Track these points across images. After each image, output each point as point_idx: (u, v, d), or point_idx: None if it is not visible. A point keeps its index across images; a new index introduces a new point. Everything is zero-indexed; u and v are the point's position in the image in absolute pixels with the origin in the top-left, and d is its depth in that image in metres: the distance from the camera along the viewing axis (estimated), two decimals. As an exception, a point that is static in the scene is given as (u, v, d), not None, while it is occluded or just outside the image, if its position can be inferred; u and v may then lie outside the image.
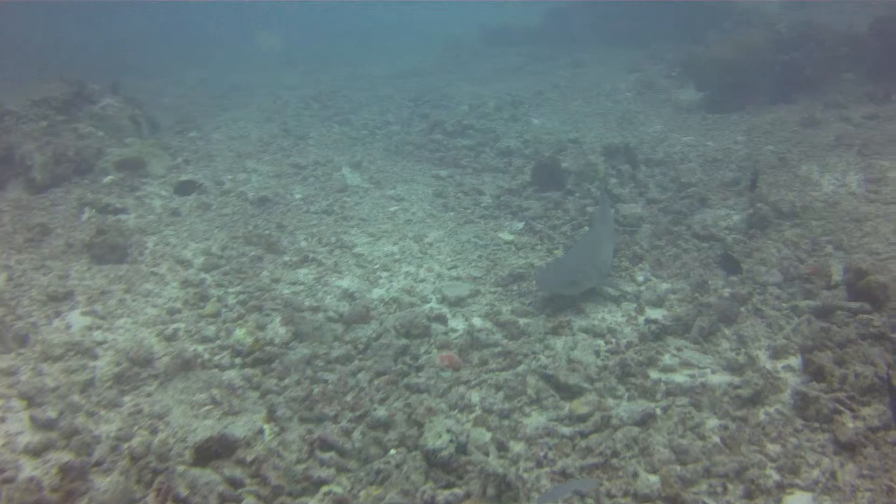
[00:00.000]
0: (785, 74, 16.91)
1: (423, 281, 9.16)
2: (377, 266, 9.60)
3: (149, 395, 6.93)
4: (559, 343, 7.66)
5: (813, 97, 16.52)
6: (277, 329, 7.93)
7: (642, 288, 9.05)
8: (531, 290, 8.77)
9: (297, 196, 12.17)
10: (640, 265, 9.59)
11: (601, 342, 7.70)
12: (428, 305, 8.52)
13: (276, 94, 21.67)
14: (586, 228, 10.61)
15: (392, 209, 11.66)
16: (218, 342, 7.73)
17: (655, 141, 15.23)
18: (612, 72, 23.77)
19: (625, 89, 21.33)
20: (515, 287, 8.91)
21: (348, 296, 8.71)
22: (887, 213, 10.53)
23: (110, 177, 12.44)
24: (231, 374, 7.20)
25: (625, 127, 16.96)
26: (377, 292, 8.89)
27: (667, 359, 7.42)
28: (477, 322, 8.14)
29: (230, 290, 8.86)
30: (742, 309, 8.25)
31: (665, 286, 9.06)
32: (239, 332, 7.79)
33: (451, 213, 11.51)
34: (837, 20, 18.30)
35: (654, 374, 7.15)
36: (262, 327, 7.97)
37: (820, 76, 16.64)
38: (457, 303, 8.48)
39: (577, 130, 16.64)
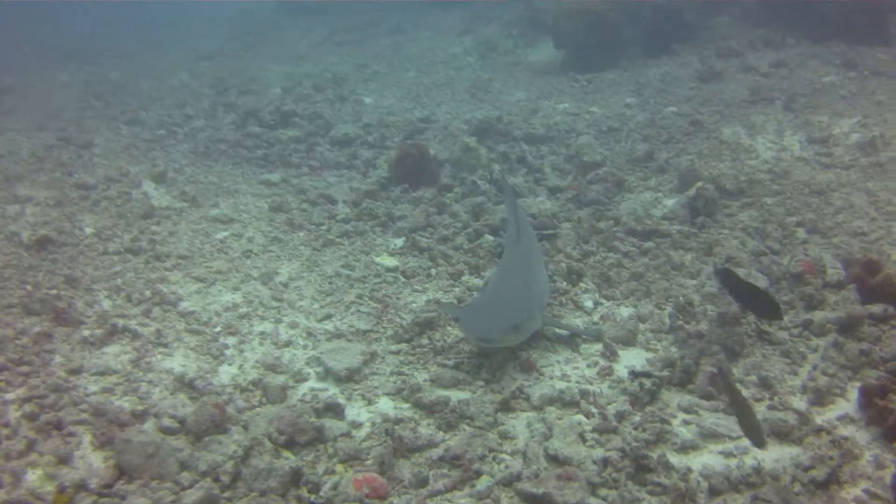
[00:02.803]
0: (657, 21, 15.89)
1: (288, 345, 6.78)
2: (217, 329, 7.05)
3: None
4: (520, 426, 5.64)
5: (697, 46, 15.73)
6: (90, 460, 5.21)
7: (596, 317, 7.22)
8: (449, 342, 6.62)
9: (89, 230, 9.12)
10: (581, 283, 7.73)
11: (580, 417, 5.71)
12: (307, 387, 6.19)
13: (50, 96, 17.88)
14: (492, 238, 8.59)
15: (220, 236, 9.02)
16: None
17: (526, 112, 13.63)
18: (440, 35, 22.27)
19: (463, 54, 19.79)
20: (426, 340, 6.71)
21: (185, 385, 6.13)
22: (852, 181, 9.47)
23: None
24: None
25: (480, 98, 15.30)
26: (227, 373, 6.39)
27: (681, 430, 5.58)
28: (388, 407, 5.89)
29: (7, 395, 5.90)
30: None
31: (626, 311, 7.30)
32: (32, 477, 4.98)
33: (301, 234, 9.09)
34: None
35: (674, 459, 5.25)
36: (65, 460, 5.19)
37: (700, 21, 15.75)
38: (348, 377, 6.20)
39: (424, 107, 14.74)
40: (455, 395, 5.98)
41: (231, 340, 6.87)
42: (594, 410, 5.82)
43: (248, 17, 27.34)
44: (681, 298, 7.14)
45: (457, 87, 16.37)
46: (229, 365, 6.47)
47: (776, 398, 5.95)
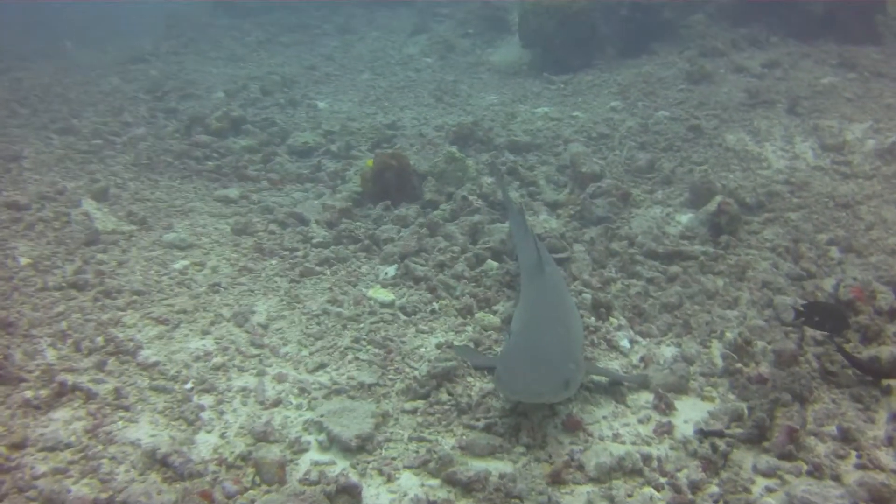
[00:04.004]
0: (635, 19, 15.29)
1: (278, 405, 5.83)
2: (189, 385, 6.05)
3: None
4: (578, 505, 4.79)
5: (677, 45, 15.19)
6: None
7: (634, 359, 6.45)
8: (475, 397, 5.76)
9: (24, 260, 7.95)
10: (612, 318, 6.93)
11: (650, 491, 4.90)
12: (308, 460, 5.25)
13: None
14: (496, 264, 7.78)
15: (179, 266, 7.99)
16: None
17: (502, 117, 12.86)
18: (391, 35, 21.44)
19: (420, 55, 18.95)
20: (445, 395, 5.82)
21: (157, 462, 5.13)
22: (877, 192, 8.95)
23: None
24: None
25: (449, 102, 14.48)
26: (206, 443, 5.43)
27: (769, 502, 4.81)
28: (412, 485, 5.00)
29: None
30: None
31: (668, 351, 6.58)
32: None
33: (274, 262, 8.11)
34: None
35: (770, 542, 4.51)
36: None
37: (680, 20, 15.20)
38: (359, 447, 5.28)
39: (387, 112, 13.86)
40: (494, 467, 5.14)
41: (207, 400, 5.87)
42: (662, 481, 5.04)
43: (182, 16, 25.97)
44: (735, 335, 6.41)
45: (419, 90, 15.51)
46: (208, 432, 5.48)
47: (864, 455, 5.26)
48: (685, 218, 8.90)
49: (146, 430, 5.49)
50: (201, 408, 5.73)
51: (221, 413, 5.70)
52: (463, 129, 11.35)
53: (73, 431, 5.42)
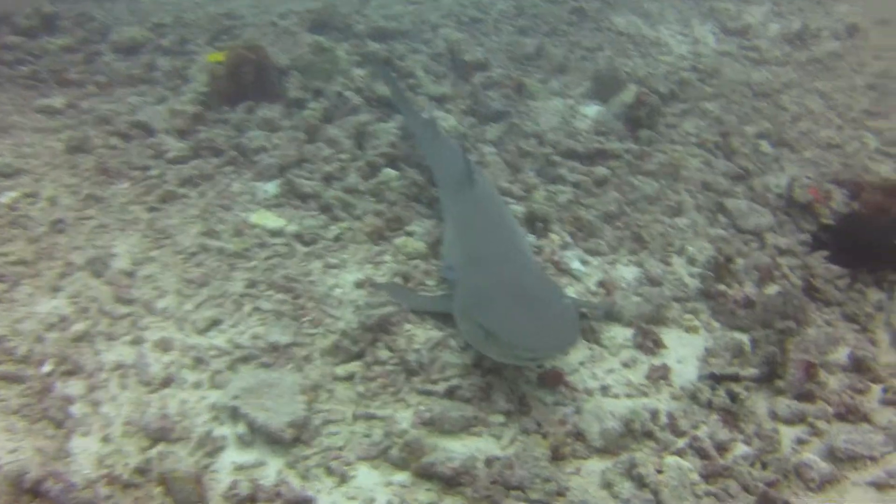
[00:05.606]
0: None
1: (169, 384, 4.34)
2: (47, 367, 4.39)
3: None
4: (596, 491, 3.79)
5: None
6: None
7: (592, 284, 5.46)
8: (425, 352, 4.52)
9: None
10: (552, 235, 5.87)
11: (674, 459, 3.94)
12: (228, 462, 3.90)
13: None
14: (394, 173, 6.46)
15: (7, 199, 5.84)
16: None
17: (356, 2, 11.17)
18: None
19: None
20: (385, 352, 4.55)
21: (25, 492, 3.56)
22: (795, 81, 8.34)
23: None
24: None
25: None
26: (86, 452, 3.93)
27: (809, 458, 4.03)
28: (377, 486, 3.82)
29: None
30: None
31: (628, 272, 5.61)
32: None
33: (125, 185, 6.29)
34: None
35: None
36: None
37: None
38: (294, 438, 3.90)
39: (218, 1, 11.75)
40: (475, 447, 4.00)
41: (75, 387, 4.26)
42: (681, 443, 4.11)
43: None
44: (714, 252, 5.56)
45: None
46: (84, 436, 3.95)
47: (890, 390, 4.59)
48: (592, 111, 7.93)
49: (1, 445, 3.85)
50: (69, 399, 4.14)
51: (96, 404, 4.14)
52: (322, 15, 9.71)
53: None
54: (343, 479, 3.76)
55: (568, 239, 5.87)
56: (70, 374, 4.30)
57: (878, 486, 3.95)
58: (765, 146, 7.38)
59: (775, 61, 8.81)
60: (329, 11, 9.81)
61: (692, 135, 7.49)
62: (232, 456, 3.84)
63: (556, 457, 3.97)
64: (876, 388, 4.66)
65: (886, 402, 4.55)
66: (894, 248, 5.45)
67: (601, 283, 5.44)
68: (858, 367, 4.79)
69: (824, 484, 3.95)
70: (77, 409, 4.08)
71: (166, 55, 8.94)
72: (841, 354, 4.91)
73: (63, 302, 4.85)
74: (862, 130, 7.69)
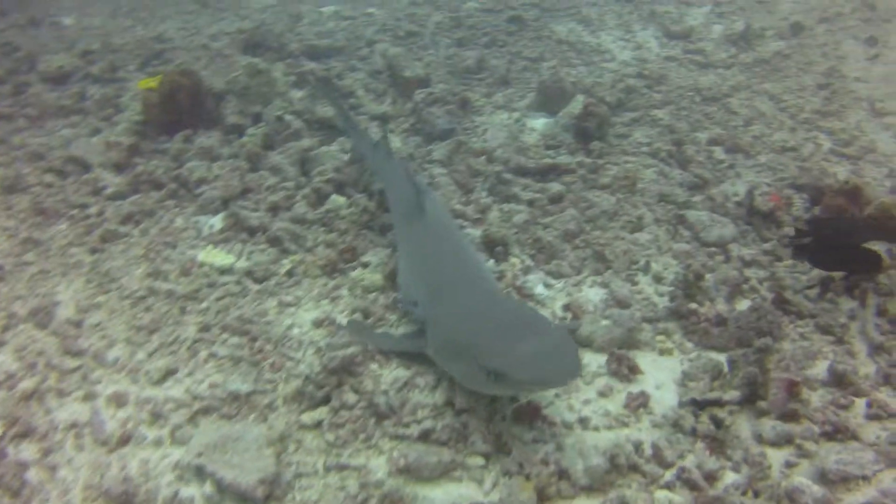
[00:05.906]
0: None
1: (127, 443, 4.02)
2: None
3: None
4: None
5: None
6: None
7: (558, 308, 5.27)
8: (391, 390, 4.26)
9: None
10: (512, 258, 5.67)
11: (665, 494, 3.76)
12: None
13: None
14: (343, 200, 6.20)
15: None
16: None
17: (286, 20, 11.26)
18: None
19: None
20: (352, 396, 4.28)
21: None
22: (743, 83, 8.29)
23: None
24: None
25: (217, 6, 12.51)
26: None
27: (800, 481, 3.89)
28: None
29: None
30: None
31: (594, 294, 5.39)
32: None
33: (64, 226, 5.92)
34: None
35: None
36: None
37: None
38: (266, 496, 3.64)
39: (146, 24, 11.54)
40: (457, 494, 3.75)
41: (28, 451, 3.91)
42: (668, 476, 3.92)
43: None
44: (684, 269, 5.40)
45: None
46: None
47: (874, 404, 4.46)
48: (539, 123, 7.77)
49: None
50: (23, 466, 3.77)
51: (53, 469, 3.80)
52: (254, 35, 9.42)
53: None
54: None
55: (529, 262, 5.66)
56: (22, 436, 4.00)
57: (874, 507, 3.82)
58: (718, 153, 7.29)
59: (721, 64, 8.77)
60: (261, 31, 9.57)
61: (644, 144, 7.37)
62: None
63: (542, 498, 3.74)
64: (860, 402, 4.52)
65: (871, 417, 4.42)
66: (864, 251, 5.36)
67: (567, 307, 5.23)
68: (839, 381, 4.66)
69: (820, 510, 3.80)
70: (33, 476, 3.75)
71: (96, 83, 8.58)
72: (820, 369, 4.78)
73: (9, 357, 4.55)
74: (815, 131, 7.65)
